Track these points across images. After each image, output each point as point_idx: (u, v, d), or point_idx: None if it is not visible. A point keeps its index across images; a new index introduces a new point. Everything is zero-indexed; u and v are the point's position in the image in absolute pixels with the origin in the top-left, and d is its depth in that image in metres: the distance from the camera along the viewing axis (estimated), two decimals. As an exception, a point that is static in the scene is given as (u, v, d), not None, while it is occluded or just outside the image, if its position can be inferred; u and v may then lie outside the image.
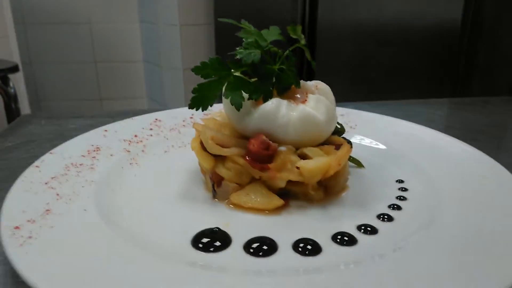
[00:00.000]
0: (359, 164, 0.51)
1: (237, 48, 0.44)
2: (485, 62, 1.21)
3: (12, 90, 1.68)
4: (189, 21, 2.22)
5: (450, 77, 1.27)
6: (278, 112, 0.43)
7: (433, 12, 1.24)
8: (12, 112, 1.71)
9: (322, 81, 0.48)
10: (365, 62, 1.47)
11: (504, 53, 1.19)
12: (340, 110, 0.59)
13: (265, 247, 0.37)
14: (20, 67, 1.69)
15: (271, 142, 0.43)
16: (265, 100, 0.44)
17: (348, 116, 0.63)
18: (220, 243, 0.38)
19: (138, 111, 0.80)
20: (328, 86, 0.48)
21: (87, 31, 2.51)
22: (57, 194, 0.41)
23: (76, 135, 0.66)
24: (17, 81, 1.84)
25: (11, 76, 1.65)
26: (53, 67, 2.54)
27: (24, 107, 2.03)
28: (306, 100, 0.45)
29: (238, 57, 0.43)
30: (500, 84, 1.20)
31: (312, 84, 0.48)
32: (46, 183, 0.43)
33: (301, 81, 0.48)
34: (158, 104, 2.57)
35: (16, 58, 2.09)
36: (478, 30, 1.19)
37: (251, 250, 0.37)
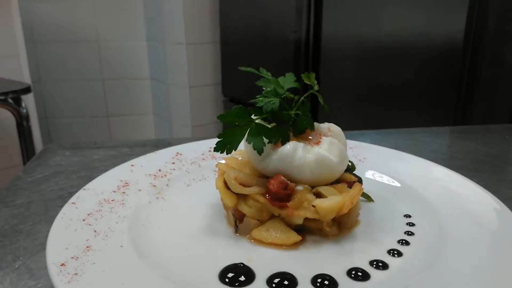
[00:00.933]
0: (368, 198, 0.55)
1: (257, 96, 0.48)
2: (488, 82, 1.25)
3: (24, 110, 1.73)
4: (195, 40, 2.28)
5: (452, 97, 1.30)
6: (295, 154, 0.47)
7: (435, 31, 1.28)
8: (24, 131, 1.76)
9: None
10: (368, 81, 1.51)
11: (508, 72, 1.22)
12: (349, 143, 0.63)
13: (286, 282, 0.41)
14: (31, 85, 1.74)
15: (289, 182, 0.47)
16: (283, 143, 0.48)
17: (357, 149, 0.67)
18: (244, 278, 0.41)
19: (154, 141, 0.85)
20: (340, 128, 0.52)
21: (95, 49, 2.58)
22: (95, 231, 0.45)
23: (100, 166, 0.70)
24: (27, 98, 1.89)
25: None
26: (62, 84, 2.60)
27: (34, 124, 2.08)
28: (319, 141, 0.50)
29: (258, 105, 0.47)
30: (503, 104, 1.23)
31: (325, 126, 0.52)
32: (83, 220, 0.47)
33: (315, 123, 0.52)
34: (164, 120, 2.63)
35: (26, 76, 2.14)
36: (481, 48, 1.23)
37: (274, 286, 0.40)
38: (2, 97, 1.58)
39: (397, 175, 0.61)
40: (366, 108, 1.55)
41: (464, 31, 1.22)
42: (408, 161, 0.64)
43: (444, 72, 1.29)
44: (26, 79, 2.12)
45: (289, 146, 0.48)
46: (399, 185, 0.59)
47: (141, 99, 2.70)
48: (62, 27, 2.51)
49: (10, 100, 1.63)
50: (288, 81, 0.50)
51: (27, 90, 1.66)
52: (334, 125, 0.52)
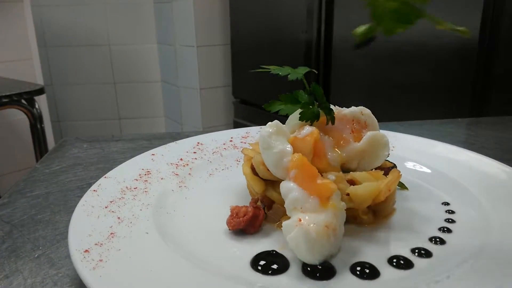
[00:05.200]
0: (402, 186, 0.52)
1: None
2: (504, 80, 1.22)
3: (38, 112, 1.73)
4: (205, 42, 2.28)
5: (468, 94, 1.28)
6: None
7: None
8: (38, 132, 1.75)
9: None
10: (381, 80, 1.48)
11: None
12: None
13: (323, 270, 0.38)
14: (44, 87, 1.74)
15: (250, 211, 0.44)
16: (312, 121, 0.46)
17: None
18: (278, 266, 0.39)
19: (172, 134, 0.83)
20: (369, 111, 0.50)
21: (106, 52, 2.59)
22: (118, 218, 0.43)
23: (118, 158, 0.68)
24: (39, 101, 1.89)
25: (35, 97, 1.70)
26: (74, 88, 2.62)
27: (47, 127, 2.08)
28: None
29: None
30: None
31: (357, 110, 0.49)
32: (106, 207, 0.45)
33: (347, 109, 0.49)
34: (175, 123, 2.62)
35: (39, 79, 2.15)
36: (496, 46, 1.20)
37: (310, 273, 0.38)
38: (16, 98, 1.58)
39: (429, 162, 0.58)
40: (379, 107, 1.51)
41: (479, 29, 1.19)
42: (440, 148, 0.61)
43: (458, 70, 1.26)
44: (39, 81, 2.13)
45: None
46: (432, 172, 0.56)
47: (152, 102, 2.70)
48: (73, 32, 2.53)
49: (23, 101, 1.63)
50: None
51: (40, 91, 1.66)
52: (364, 108, 0.50)
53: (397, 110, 1.44)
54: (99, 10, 2.52)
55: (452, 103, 1.30)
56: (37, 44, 2.13)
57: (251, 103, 2.17)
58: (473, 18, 1.16)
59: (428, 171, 0.57)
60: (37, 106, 1.71)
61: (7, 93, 1.54)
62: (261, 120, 0.45)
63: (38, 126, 1.74)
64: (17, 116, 1.96)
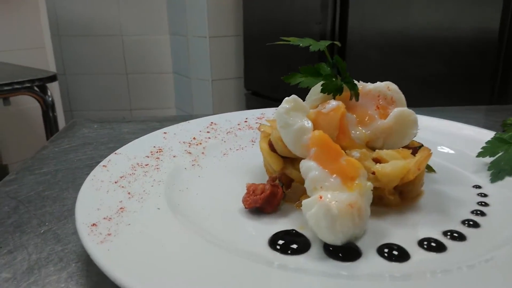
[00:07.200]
0: (430, 169, 0.49)
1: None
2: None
3: (50, 99, 1.72)
4: (218, 33, 2.25)
5: (486, 87, 1.23)
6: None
7: (467, 23, 1.21)
8: (50, 120, 1.75)
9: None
10: (396, 73, 1.44)
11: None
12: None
13: (347, 250, 0.35)
14: (56, 74, 1.73)
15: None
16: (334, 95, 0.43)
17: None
18: (297, 246, 0.36)
19: (185, 116, 0.81)
20: (396, 86, 0.47)
21: (119, 43, 2.57)
22: (129, 193, 0.41)
23: (130, 138, 0.66)
24: (52, 90, 1.88)
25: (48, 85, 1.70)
26: (86, 78, 2.61)
27: (59, 116, 2.08)
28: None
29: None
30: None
31: (383, 85, 0.46)
32: (115, 182, 0.42)
33: (372, 84, 0.46)
34: (187, 114, 2.60)
35: (52, 67, 2.15)
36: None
37: (332, 253, 0.35)
38: (28, 85, 1.57)
39: (455, 145, 0.55)
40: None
41: (500, 20, 1.14)
42: (466, 130, 0.58)
43: (477, 63, 1.21)
44: (52, 70, 2.13)
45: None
46: (459, 155, 0.53)
47: (164, 93, 2.68)
48: (86, 22, 2.52)
49: (36, 88, 1.62)
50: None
51: (52, 78, 1.65)
52: (391, 83, 0.47)
53: (412, 103, 1.39)
54: (112, 1, 2.51)
55: (469, 95, 1.26)
56: (50, 33, 2.12)
57: (263, 95, 2.14)
58: (494, 8, 1.12)
59: (456, 153, 0.53)
60: (49, 94, 1.70)
61: (20, 80, 1.54)
62: (273, 112, 0.45)
63: (51, 114, 1.73)
64: (30, 104, 1.96)
